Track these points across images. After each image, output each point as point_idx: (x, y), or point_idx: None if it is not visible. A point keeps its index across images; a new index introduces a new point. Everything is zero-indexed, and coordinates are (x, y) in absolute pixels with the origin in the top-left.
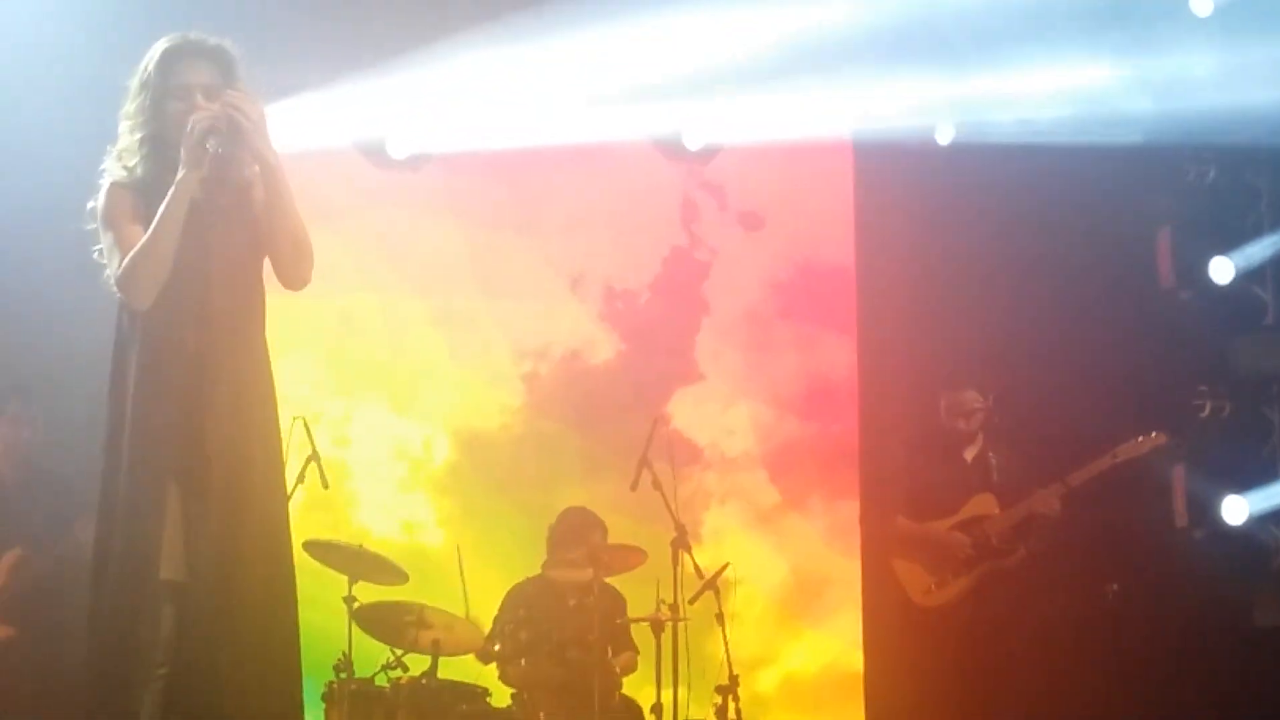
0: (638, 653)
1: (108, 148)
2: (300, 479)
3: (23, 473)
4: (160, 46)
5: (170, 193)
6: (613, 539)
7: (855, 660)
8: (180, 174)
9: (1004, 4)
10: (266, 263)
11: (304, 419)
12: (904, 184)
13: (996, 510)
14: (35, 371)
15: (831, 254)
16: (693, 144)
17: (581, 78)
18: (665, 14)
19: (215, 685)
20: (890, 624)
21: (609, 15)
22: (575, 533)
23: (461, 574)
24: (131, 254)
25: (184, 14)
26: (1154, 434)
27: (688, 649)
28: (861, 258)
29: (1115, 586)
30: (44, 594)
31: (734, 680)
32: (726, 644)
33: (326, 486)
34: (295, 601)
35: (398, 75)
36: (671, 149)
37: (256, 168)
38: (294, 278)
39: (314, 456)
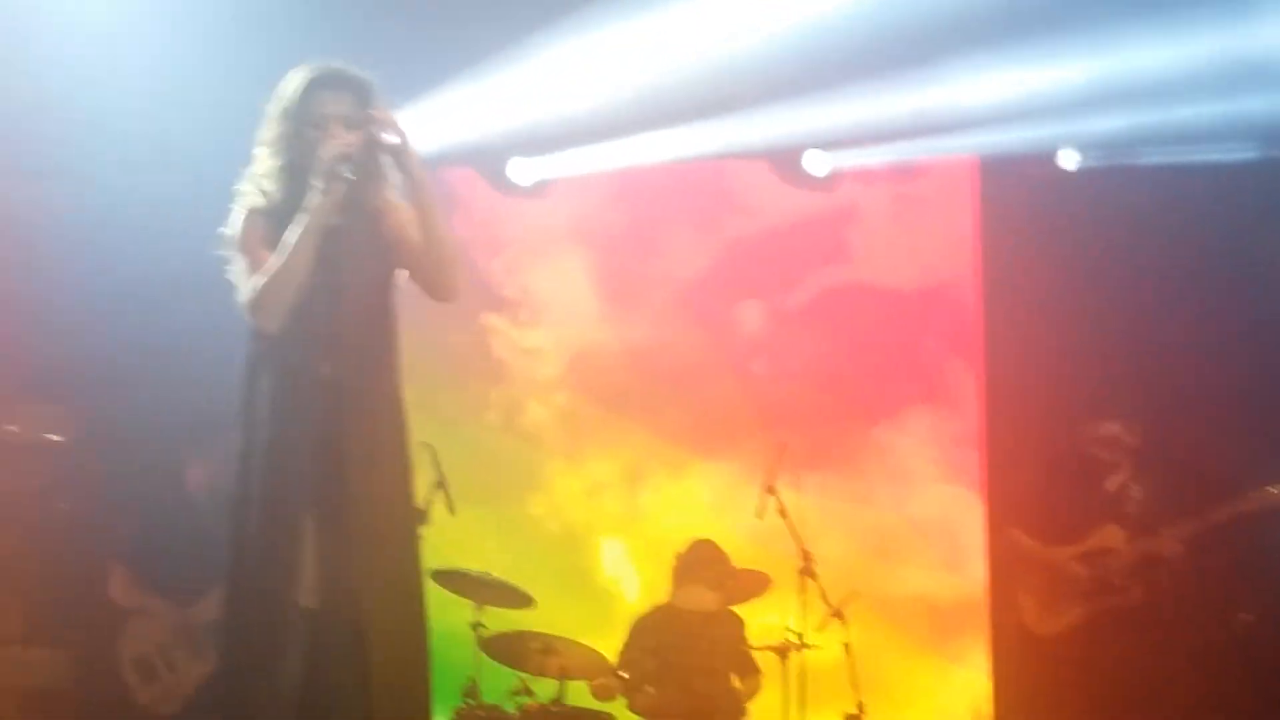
0: (762, 673)
1: (243, 172)
2: (426, 505)
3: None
4: (301, 75)
5: (304, 219)
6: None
7: (983, 686)
8: (314, 201)
9: (1130, 25)
10: (397, 286)
11: (431, 445)
12: (1030, 206)
13: (1122, 545)
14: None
15: (957, 277)
16: (816, 169)
17: (696, 100)
18: (780, 39)
19: (347, 712)
20: (1015, 651)
21: (715, 40)
22: (702, 563)
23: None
24: (261, 280)
25: (310, 38)
26: None
27: (816, 678)
28: (988, 280)
29: (1247, 616)
30: None
31: (861, 709)
32: (853, 672)
33: (453, 513)
34: (426, 628)
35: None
36: (794, 174)
37: (389, 195)
38: (445, 290)
39: (440, 483)
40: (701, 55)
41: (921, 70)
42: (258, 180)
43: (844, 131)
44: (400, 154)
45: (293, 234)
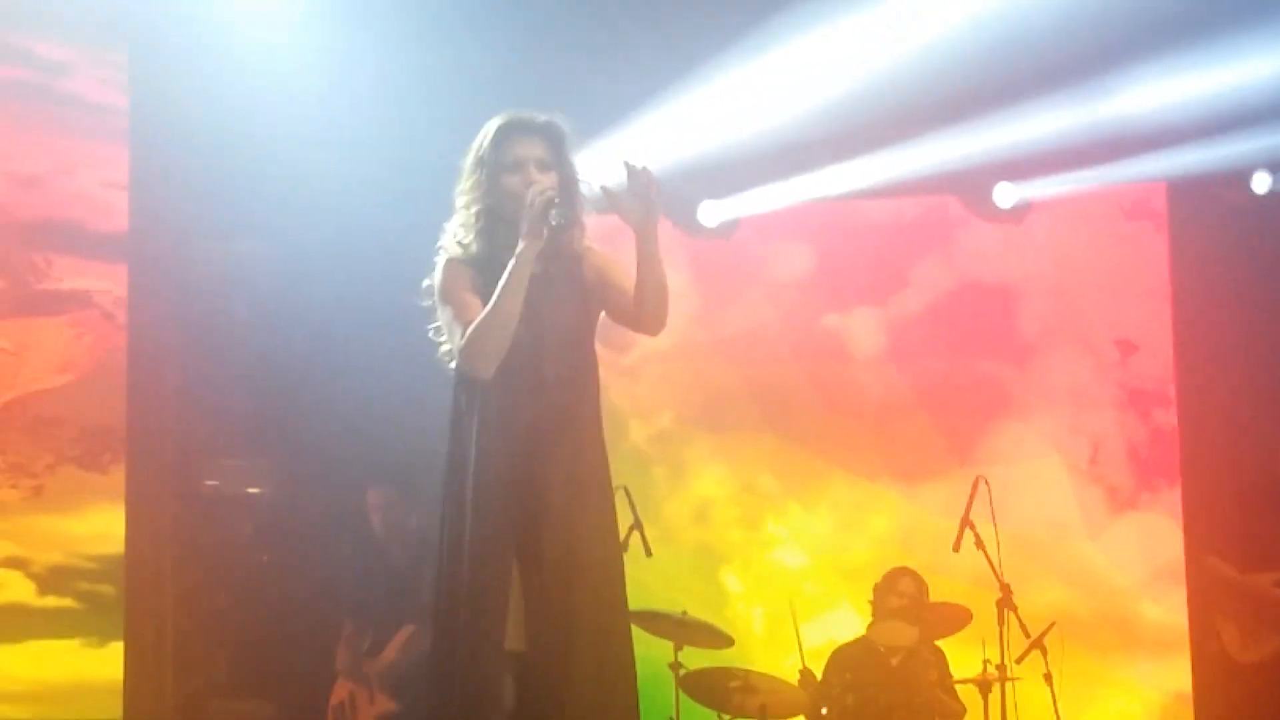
0: (964, 708)
1: (443, 226)
2: (624, 547)
3: (412, 552)
4: (494, 123)
5: (512, 263)
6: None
7: (1186, 715)
8: (521, 246)
9: None
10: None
11: (626, 488)
12: (1222, 231)
13: None
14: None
15: (1149, 306)
16: (1004, 202)
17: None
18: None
19: None
20: (1216, 679)
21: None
22: (899, 595)
23: (796, 631)
24: (475, 324)
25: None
26: None
27: (1018, 710)
28: (1179, 308)
29: None
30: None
31: None
32: (1055, 703)
33: (649, 554)
34: (633, 671)
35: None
36: (981, 207)
37: (587, 242)
38: (657, 322)
39: (636, 525)
40: (869, 83)
41: (1103, 88)
42: (456, 230)
43: (1026, 158)
44: (645, 195)
45: (502, 280)
